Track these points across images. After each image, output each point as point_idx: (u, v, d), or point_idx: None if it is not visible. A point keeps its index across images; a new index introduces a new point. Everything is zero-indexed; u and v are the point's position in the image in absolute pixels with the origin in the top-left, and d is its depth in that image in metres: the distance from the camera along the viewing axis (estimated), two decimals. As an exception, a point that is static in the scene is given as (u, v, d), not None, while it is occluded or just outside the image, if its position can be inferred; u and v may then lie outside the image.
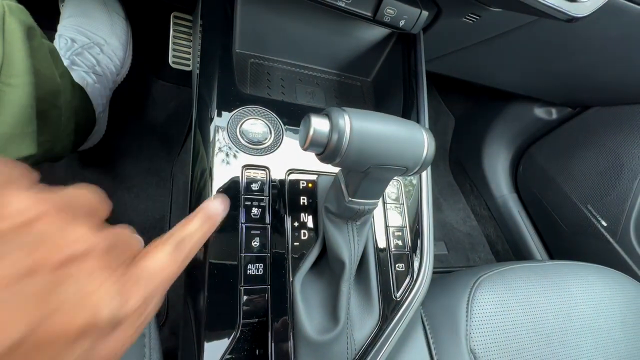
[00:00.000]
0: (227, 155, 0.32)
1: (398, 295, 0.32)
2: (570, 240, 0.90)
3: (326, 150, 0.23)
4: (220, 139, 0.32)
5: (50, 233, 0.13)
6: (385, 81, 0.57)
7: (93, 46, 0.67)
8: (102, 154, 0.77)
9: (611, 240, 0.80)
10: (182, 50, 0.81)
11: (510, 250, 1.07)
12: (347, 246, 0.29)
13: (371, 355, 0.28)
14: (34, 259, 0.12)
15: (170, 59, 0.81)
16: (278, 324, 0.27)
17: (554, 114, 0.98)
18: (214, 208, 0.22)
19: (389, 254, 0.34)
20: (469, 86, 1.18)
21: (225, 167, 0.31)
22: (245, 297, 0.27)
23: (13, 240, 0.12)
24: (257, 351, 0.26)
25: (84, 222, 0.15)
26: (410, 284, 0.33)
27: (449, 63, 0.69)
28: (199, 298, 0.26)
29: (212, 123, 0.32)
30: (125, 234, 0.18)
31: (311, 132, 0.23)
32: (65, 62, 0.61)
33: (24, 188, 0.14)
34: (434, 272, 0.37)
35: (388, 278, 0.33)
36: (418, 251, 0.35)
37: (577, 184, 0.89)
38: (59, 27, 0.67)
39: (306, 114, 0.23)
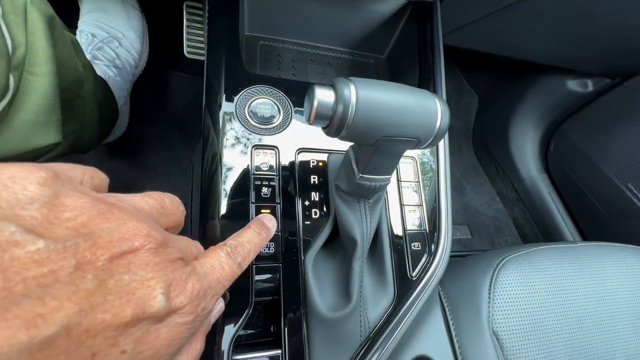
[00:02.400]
0: (236, 136, 0.32)
1: (414, 274, 0.31)
2: (606, 221, 0.84)
3: (332, 123, 0.23)
4: (229, 120, 0.32)
5: (108, 229, 0.14)
6: (400, 58, 0.54)
7: (112, 40, 0.69)
8: (126, 145, 0.80)
9: (654, 221, 0.73)
10: (196, 40, 0.82)
11: (539, 234, 1.02)
12: (358, 224, 0.29)
13: (386, 334, 0.28)
14: (88, 251, 0.13)
15: (185, 49, 0.82)
16: (290, 302, 0.27)
17: (590, 86, 0.90)
18: (268, 219, 0.25)
19: (405, 233, 0.33)
20: (493, 61, 1.10)
21: (234, 148, 0.31)
22: (257, 275, 0.27)
23: (69, 235, 0.13)
24: (270, 328, 0.26)
25: (147, 221, 0.16)
26: (427, 263, 0.32)
27: (470, 34, 0.64)
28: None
29: (221, 105, 0.32)
30: (185, 239, 0.19)
31: (315, 104, 0.22)
32: (88, 57, 0.64)
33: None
34: (455, 256, 0.36)
35: (403, 257, 0.32)
36: (435, 229, 0.34)
37: (617, 162, 0.82)
38: (79, 23, 0.69)
39: (310, 86, 0.23)
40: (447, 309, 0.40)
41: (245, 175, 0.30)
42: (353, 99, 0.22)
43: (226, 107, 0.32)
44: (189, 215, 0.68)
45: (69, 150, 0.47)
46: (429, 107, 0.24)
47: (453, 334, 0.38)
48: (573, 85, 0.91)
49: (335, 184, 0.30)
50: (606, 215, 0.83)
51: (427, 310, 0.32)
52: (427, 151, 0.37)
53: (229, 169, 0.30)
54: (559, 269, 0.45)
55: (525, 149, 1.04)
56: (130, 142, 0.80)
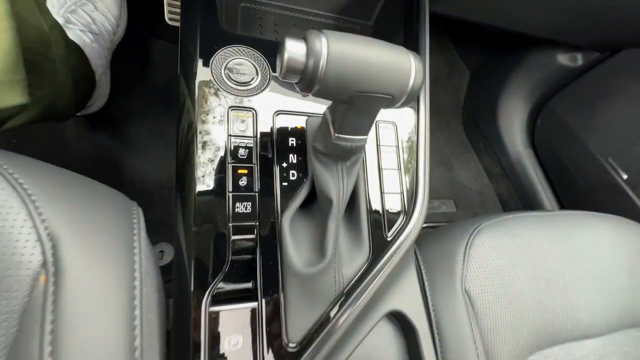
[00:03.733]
0: (212, 99, 0.31)
1: (389, 234, 0.32)
2: (585, 195, 0.87)
3: (303, 77, 0.22)
4: (204, 83, 0.31)
5: None
6: (386, 24, 0.53)
7: (86, 3, 0.66)
8: (109, 117, 0.78)
9: (630, 193, 0.76)
10: (178, 5, 0.78)
11: (522, 208, 1.05)
12: (335, 185, 0.29)
13: (359, 289, 0.29)
14: None
15: (166, 15, 0.78)
16: (267, 258, 0.28)
17: (580, 60, 0.90)
18: None
19: (382, 195, 0.33)
20: (486, 34, 1.08)
21: (210, 113, 0.31)
22: (234, 234, 0.28)
23: None
24: (248, 284, 0.27)
25: None
26: (403, 224, 0.33)
27: (459, 1, 0.63)
28: (189, 234, 0.27)
29: (196, 68, 0.31)
30: None
31: (286, 57, 0.21)
32: (60, 21, 0.61)
33: None
34: (437, 226, 0.37)
35: (380, 218, 0.33)
36: (413, 193, 0.34)
37: (600, 136, 0.84)
38: (50, -16, 0.65)
39: (283, 39, 0.22)
40: (423, 270, 0.42)
41: (221, 138, 0.30)
42: (324, 52, 0.21)
43: (201, 70, 0.31)
44: (175, 188, 0.68)
45: (42, 116, 0.45)
46: (403, 64, 0.24)
47: (427, 292, 0.40)
48: (563, 59, 0.90)
49: (313, 146, 0.30)
50: (585, 188, 0.86)
51: (401, 269, 0.33)
52: (407, 116, 0.38)
53: (206, 132, 0.30)
54: (532, 234, 0.47)
55: (513, 125, 1.05)
56: (112, 114, 0.78)
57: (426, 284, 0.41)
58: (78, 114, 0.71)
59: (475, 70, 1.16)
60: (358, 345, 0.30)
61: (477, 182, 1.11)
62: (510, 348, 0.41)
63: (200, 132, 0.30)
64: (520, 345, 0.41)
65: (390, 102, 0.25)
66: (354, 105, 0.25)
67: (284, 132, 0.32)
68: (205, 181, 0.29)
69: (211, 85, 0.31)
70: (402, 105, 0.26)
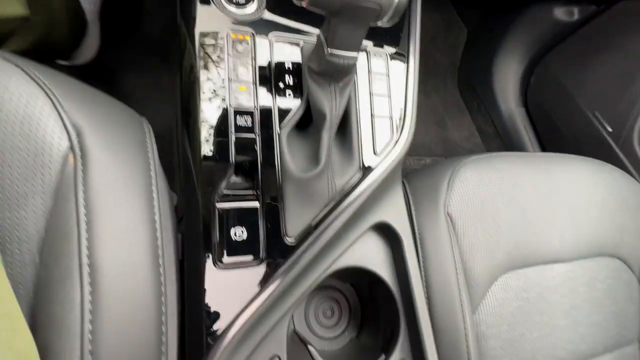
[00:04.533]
0: (212, 23, 0.33)
1: (379, 150, 0.35)
2: (572, 149, 0.90)
3: None
4: (204, 11, 0.33)
5: None
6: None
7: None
8: (101, 70, 0.78)
9: (613, 145, 0.79)
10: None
11: (511, 165, 1.08)
12: (328, 102, 0.31)
13: (349, 197, 0.33)
14: None
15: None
16: (266, 166, 0.31)
17: (576, 14, 0.90)
18: None
19: (372, 118, 0.36)
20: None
21: (211, 36, 0.32)
22: (236, 143, 0.31)
23: None
24: (248, 187, 0.31)
25: None
26: (391, 141, 0.36)
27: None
28: (194, 143, 0.30)
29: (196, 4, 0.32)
30: None
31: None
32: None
33: None
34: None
35: (369, 137, 0.36)
36: (401, 115, 0.37)
37: (589, 91, 0.86)
38: None
39: None
40: (410, 197, 0.45)
41: (219, 56, 0.32)
42: None
43: (201, 8, 0.32)
44: (176, 140, 0.70)
45: (38, 44, 0.46)
46: (391, -27, 0.25)
47: (413, 215, 0.43)
48: (560, 13, 0.90)
49: (308, 66, 0.32)
50: (572, 143, 0.89)
51: (389, 185, 0.36)
52: (397, 45, 0.39)
53: (204, 51, 0.32)
54: (512, 168, 0.51)
55: (508, 84, 1.06)
56: (104, 67, 0.78)
57: (412, 208, 0.45)
58: (70, 65, 0.71)
59: (473, 30, 1.15)
60: (348, 247, 0.34)
61: (469, 142, 1.14)
62: (486, 266, 0.45)
63: (201, 60, 0.32)
64: (495, 264, 0.46)
65: (379, 14, 0.27)
66: (345, 16, 0.26)
67: (281, 55, 0.34)
68: (208, 100, 0.31)
69: (211, 13, 0.33)
70: (390, 21, 0.28)
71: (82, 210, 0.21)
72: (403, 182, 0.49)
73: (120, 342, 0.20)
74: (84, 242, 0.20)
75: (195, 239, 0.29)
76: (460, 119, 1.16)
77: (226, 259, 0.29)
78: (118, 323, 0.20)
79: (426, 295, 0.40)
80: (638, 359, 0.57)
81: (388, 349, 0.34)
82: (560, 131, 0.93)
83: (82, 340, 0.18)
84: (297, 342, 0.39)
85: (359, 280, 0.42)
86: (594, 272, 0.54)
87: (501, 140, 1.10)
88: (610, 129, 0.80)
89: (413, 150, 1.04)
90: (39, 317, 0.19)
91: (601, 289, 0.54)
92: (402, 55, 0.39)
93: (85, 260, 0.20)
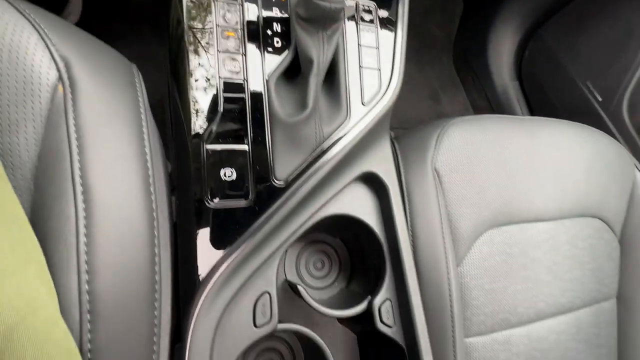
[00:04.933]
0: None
1: (366, 100, 0.36)
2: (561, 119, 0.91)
3: None
4: None
5: None
6: None
7: None
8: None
9: (602, 114, 0.80)
10: None
11: (503, 139, 1.09)
12: (316, 49, 0.32)
13: (337, 145, 0.33)
14: None
15: None
16: (255, 111, 0.32)
17: (571, -17, 0.89)
18: None
19: (360, 69, 0.36)
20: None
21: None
22: (224, 88, 0.31)
23: None
24: (238, 131, 0.31)
25: None
26: (379, 91, 0.36)
27: None
28: (183, 90, 0.31)
29: None
30: None
31: None
32: None
33: None
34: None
35: (357, 87, 0.36)
36: (389, 67, 0.37)
37: (581, 61, 0.86)
38: None
39: None
40: (398, 151, 0.46)
41: (208, 9, 0.32)
42: None
43: None
44: (168, 108, 0.70)
45: None
46: None
47: (401, 169, 0.45)
48: (555, -17, 0.89)
49: (295, 12, 0.32)
50: (563, 114, 0.90)
51: (377, 136, 0.37)
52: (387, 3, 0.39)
53: (193, 14, 0.32)
54: (500, 129, 0.52)
55: (502, 56, 1.05)
56: (96, 35, 0.76)
57: (401, 163, 0.46)
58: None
59: (468, 2, 1.14)
60: (336, 196, 0.36)
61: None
62: (472, 220, 0.47)
63: (188, 10, 0.32)
64: (480, 220, 0.48)
65: None
66: None
67: (269, 1, 0.34)
68: (196, 48, 0.31)
69: None
70: None
71: (73, 135, 0.21)
72: (393, 141, 0.50)
73: (115, 258, 0.21)
74: (77, 165, 0.21)
75: (185, 180, 0.30)
76: (454, 93, 1.16)
77: (216, 197, 0.30)
78: (112, 240, 0.21)
79: (412, 245, 0.41)
80: (615, 313, 0.60)
81: (374, 292, 0.36)
82: (552, 103, 0.93)
83: (78, 252, 0.19)
84: (289, 291, 0.41)
85: (347, 233, 0.43)
86: (576, 231, 0.56)
87: (494, 113, 1.10)
88: (600, 99, 0.81)
89: (406, 123, 1.04)
90: (36, 235, 0.20)
91: (582, 247, 0.56)
92: (391, 8, 0.39)
93: (78, 179, 0.21)
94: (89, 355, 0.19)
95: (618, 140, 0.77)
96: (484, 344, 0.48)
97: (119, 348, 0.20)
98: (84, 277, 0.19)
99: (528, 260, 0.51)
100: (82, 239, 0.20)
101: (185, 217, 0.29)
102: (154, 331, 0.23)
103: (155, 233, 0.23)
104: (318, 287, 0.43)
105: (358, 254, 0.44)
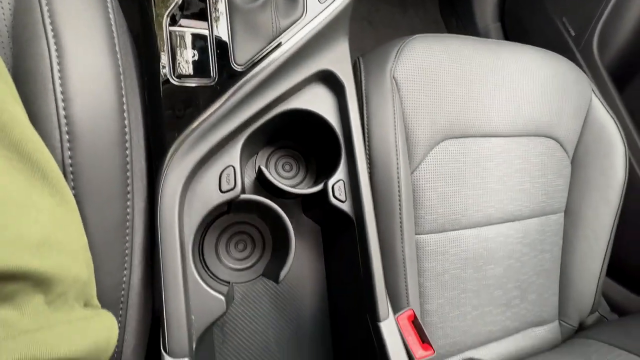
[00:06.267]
0: None
1: None
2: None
3: None
4: None
5: None
6: None
7: None
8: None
9: (574, 48, 0.82)
10: None
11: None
12: None
13: (293, 37, 0.36)
14: None
15: None
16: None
17: None
18: None
19: None
20: None
21: None
22: None
23: None
24: (198, 17, 0.34)
25: None
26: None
27: None
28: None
29: None
30: None
31: None
32: None
33: None
34: None
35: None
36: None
37: (560, -3, 0.86)
38: None
39: None
40: (362, 63, 0.49)
41: None
42: None
43: None
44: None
45: None
46: None
47: (362, 75, 0.48)
48: None
49: None
50: (539, 52, 0.92)
51: (335, 34, 0.40)
52: None
53: None
54: (462, 45, 0.54)
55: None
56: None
57: (362, 73, 0.49)
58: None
59: (457, -61, 1.10)
60: (297, 93, 0.39)
61: (446, 61, 1.16)
62: (428, 129, 0.51)
63: None
64: (436, 129, 0.52)
65: None
66: None
67: None
68: None
69: None
70: None
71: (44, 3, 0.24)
72: (359, 57, 0.53)
73: (86, 90, 0.24)
74: (46, 13, 0.24)
75: (151, 60, 0.33)
76: (438, 38, 1.16)
77: (179, 75, 0.33)
78: (82, 77, 0.24)
79: (367, 141, 0.46)
80: (561, 226, 0.67)
81: (329, 176, 0.40)
82: (530, 43, 0.95)
83: (54, 83, 0.23)
84: (259, 188, 0.46)
85: (312, 138, 0.48)
86: (529, 148, 0.61)
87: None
88: (573, 33, 0.83)
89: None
90: (18, 76, 0.24)
91: (534, 162, 0.61)
92: None
93: (48, 26, 0.24)
94: (70, 168, 0.24)
95: (587, 75, 0.80)
96: (436, 240, 0.54)
97: (96, 165, 0.25)
98: (61, 104, 0.23)
99: (480, 169, 0.56)
100: (56, 73, 0.23)
101: (152, 91, 0.33)
102: (126, 167, 0.27)
103: (122, 79, 0.27)
104: (289, 184, 0.48)
105: (322, 157, 0.49)
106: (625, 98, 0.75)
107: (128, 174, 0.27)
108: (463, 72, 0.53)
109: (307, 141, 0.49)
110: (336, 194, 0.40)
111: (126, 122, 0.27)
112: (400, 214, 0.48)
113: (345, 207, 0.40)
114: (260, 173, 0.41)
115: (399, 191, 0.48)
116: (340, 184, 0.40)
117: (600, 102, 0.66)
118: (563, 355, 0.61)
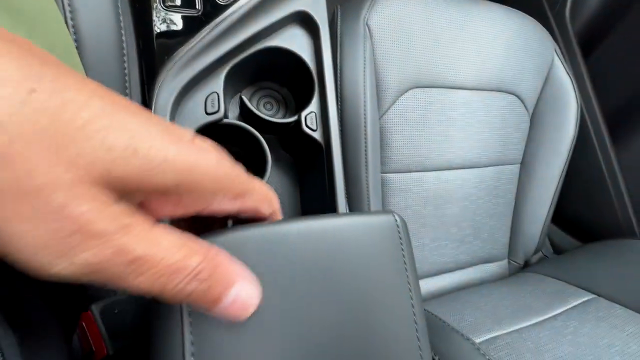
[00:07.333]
0: None
1: None
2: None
3: None
4: None
5: None
6: None
7: None
8: None
9: (549, 12, 0.86)
10: None
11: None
12: None
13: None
14: None
15: None
16: None
17: None
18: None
19: None
20: None
21: None
22: None
23: None
24: None
25: None
26: None
27: None
28: None
29: None
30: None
31: None
32: None
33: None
34: None
35: None
36: None
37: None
38: None
39: None
40: (339, 11, 0.54)
41: None
42: None
43: None
44: None
45: None
46: None
47: (338, 21, 0.52)
48: None
49: None
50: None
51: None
52: None
53: None
54: (435, 1, 0.58)
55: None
56: None
57: (339, 20, 0.53)
58: None
59: None
60: (276, 32, 0.44)
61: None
62: (397, 75, 0.57)
63: None
64: (405, 76, 0.57)
65: None
66: None
67: None
68: None
69: None
70: None
71: None
72: (337, 7, 0.57)
73: (92, 17, 0.29)
74: None
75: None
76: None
77: (168, 6, 0.38)
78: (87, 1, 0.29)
79: (339, 79, 0.51)
80: (517, 176, 0.75)
81: (303, 109, 0.46)
82: (507, 3, 0.98)
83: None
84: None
85: (289, 77, 0.53)
86: (491, 102, 0.67)
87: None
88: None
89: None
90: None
91: (495, 115, 0.68)
92: None
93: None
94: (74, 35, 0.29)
95: (557, 41, 0.84)
96: (400, 178, 0.62)
97: (99, 71, 0.30)
98: (69, 14, 0.28)
99: (445, 118, 0.63)
100: None
101: (144, 17, 0.38)
102: (125, 78, 0.32)
103: (119, 5, 0.31)
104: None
105: (298, 97, 0.54)
106: (589, 62, 0.81)
107: (127, 84, 0.32)
108: (433, 25, 0.58)
109: (286, 82, 0.54)
110: (308, 123, 0.46)
111: (123, 37, 0.32)
112: (365, 146, 0.54)
113: (316, 135, 0.46)
114: (242, 104, 0.46)
115: (365, 126, 0.54)
116: (312, 115, 0.46)
117: (562, 62, 0.71)
118: (506, 284, 0.71)
